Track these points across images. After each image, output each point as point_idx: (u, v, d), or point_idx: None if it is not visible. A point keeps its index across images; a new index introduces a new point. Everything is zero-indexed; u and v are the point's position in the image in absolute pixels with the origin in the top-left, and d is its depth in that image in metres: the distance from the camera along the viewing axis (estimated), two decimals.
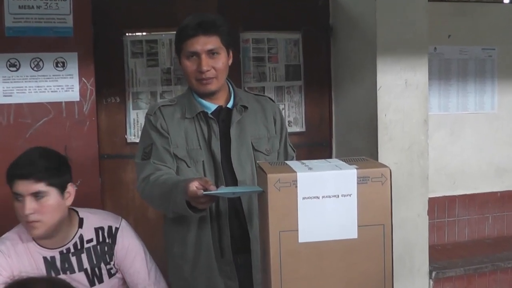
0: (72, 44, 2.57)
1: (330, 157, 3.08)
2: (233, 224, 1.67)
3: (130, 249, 1.74)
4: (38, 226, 1.56)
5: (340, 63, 2.96)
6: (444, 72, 3.18)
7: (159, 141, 1.67)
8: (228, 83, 1.78)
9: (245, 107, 1.73)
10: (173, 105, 1.73)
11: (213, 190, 1.40)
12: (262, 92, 2.90)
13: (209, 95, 1.70)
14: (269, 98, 1.87)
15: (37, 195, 1.55)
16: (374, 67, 2.51)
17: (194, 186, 1.42)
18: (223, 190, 1.41)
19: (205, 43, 1.63)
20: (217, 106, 1.72)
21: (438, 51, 3.14)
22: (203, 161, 1.66)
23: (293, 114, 3.04)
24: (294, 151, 1.86)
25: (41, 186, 1.55)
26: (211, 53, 1.64)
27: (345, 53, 2.88)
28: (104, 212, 1.84)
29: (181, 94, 1.82)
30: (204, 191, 1.41)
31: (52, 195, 1.57)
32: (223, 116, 1.71)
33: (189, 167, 1.66)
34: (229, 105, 1.73)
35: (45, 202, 1.56)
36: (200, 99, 1.71)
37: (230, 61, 1.73)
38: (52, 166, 1.58)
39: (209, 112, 1.69)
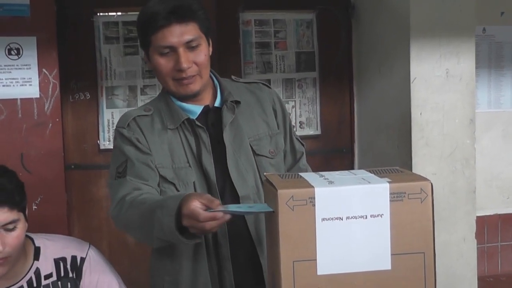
0: (29, 25, 2.58)
1: (352, 166, 3.08)
2: (238, 256, 1.64)
3: (100, 284, 1.73)
4: (4, 263, 1.57)
5: (364, 50, 2.97)
6: (496, 59, 3.18)
7: (134, 156, 1.64)
8: (212, 75, 1.77)
9: (237, 102, 1.73)
10: (150, 115, 1.71)
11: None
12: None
13: (192, 97, 1.69)
14: (262, 83, 1.86)
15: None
16: (406, 54, 2.51)
17: (198, 202, 1.36)
18: (230, 208, 1.37)
19: (182, 33, 1.60)
20: (202, 107, 1.71)
21: (487, 32, 3.14)
22: (194, 182, 1.64)
23: (305, 114, 3.05)
24: (303, 145, 1.86)
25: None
26: (190, 45, 1.62)
27: (370, 38, 2.89)
28: (66, 239, 1.84)
29: (155, 99, 1.79)
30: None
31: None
32: (212, 118, 1.70)
33: (178, 191, 1.63)
34: (217, 103, 1.73)
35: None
36: (180, 103, 1.70)
37: (211, 51, 1.71)
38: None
39: (195, 117, 1.68)
